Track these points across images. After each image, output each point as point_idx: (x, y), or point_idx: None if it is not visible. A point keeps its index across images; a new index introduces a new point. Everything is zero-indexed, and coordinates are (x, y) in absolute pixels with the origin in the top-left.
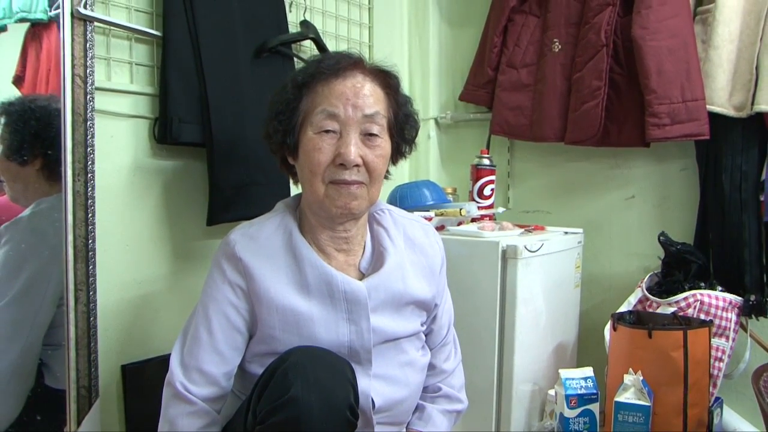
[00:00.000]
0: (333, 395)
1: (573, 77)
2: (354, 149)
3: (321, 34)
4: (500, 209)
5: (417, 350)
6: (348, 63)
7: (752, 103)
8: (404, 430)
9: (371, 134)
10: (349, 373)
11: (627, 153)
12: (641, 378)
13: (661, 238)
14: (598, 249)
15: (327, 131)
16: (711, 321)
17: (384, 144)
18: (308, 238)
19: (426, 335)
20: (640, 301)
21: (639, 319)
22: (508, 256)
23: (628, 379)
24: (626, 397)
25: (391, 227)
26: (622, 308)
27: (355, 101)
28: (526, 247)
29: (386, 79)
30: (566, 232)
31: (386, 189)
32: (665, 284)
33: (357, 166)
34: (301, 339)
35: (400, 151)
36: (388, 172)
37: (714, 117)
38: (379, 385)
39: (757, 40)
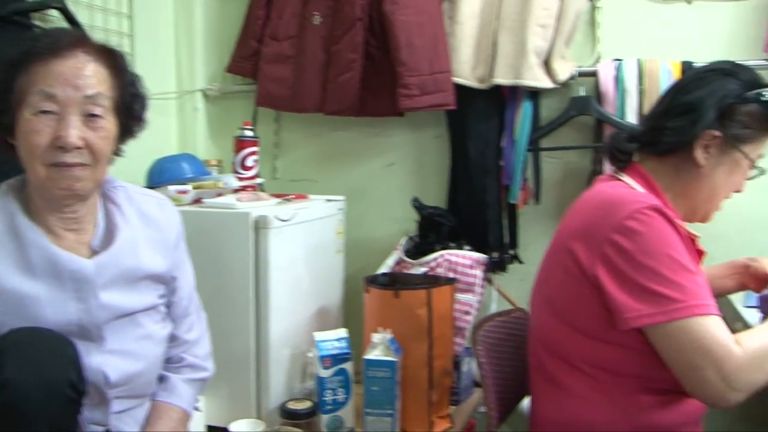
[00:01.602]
0: (50, 374)
1: (331, 50)
2: (74, 132)
3: (72, 4)
4: (259, 180)
5: (155, 323)
6: (68, 42)
7: (491, 76)
8: (148, 402)
9: (94, 115)
10: (70, 351)
11: (387, 122)
12: (390, 336)
13: (414, 202)
14: (361, 215)
15: (45, 112)
16: (455, 279)
17: (108, 125)
18: (36, 219)
19: (168, 307)
20: (397, 263)
21: (393, 281)
22: (259, 226)
23: (376, 337)
24: (375, 354)
25: (124, 204)
26: (381, 270)
27: (76, 82)
28: (277, 217)
29: (111, 59)
30: (328, 200)
31: (146, 162)
32: (420, 246)
33: (78, 148)
34: (26, 321)
35: (129, 131)
36: (119, 149)
37: (460, 88)
38: (115, 360)
39: (494, 17)
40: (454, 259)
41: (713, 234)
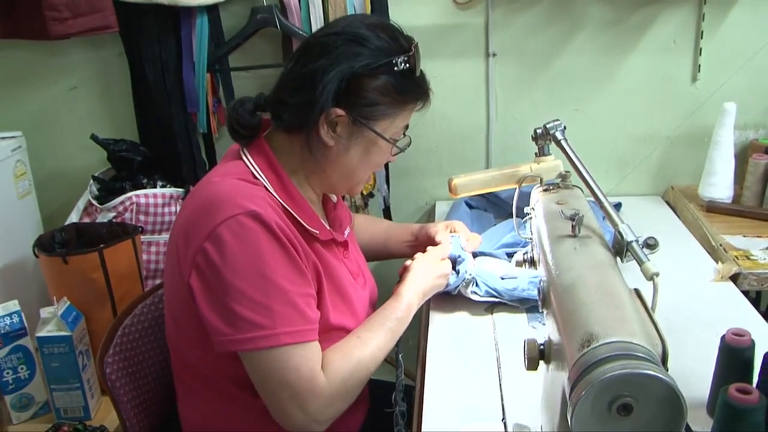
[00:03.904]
0: None
1: None
2: None
3: None
4: None
5: None
6: None
7: None
8: None
9: None
10: None
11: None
12: (65, 305)
13: (93, 139)
14: (52, 147)
15: None
16: (139, 228)
17: None
18: None
19: None
20: (89, 205)
21: (75, 235)
22: None
23: (45, 311)
24: (47, 330)
25: None
26: (72, 215)
27: None
28: None
29: None
30: (1, 138)
31: None
32: (109, 185)
33: None
34: None
35: None
36: None
37: (125, 6)
38: None
39: None
40: (143, 200)
41: (424, 148)
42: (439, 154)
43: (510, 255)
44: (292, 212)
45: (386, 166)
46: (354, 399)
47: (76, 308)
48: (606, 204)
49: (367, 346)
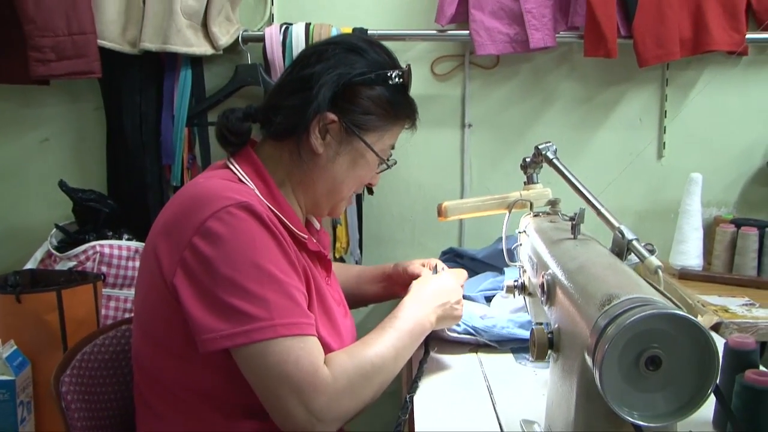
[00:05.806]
0: None
1: None
2: None
3: None
4: None
5: None
6: None
7: (141, 40)
8: None
9: None
10: None
11: (38, 91)
12: (14, 348)
13: (62, 186)
14: (13, 200)
15: None
16: (102, 275)
17: None
18: None
19: None
20: (48, 256)
21: (34, 279)
22: None
23: None
24: None
25: None
26: (29, 265)
27: None
28: None
29: None
30: None
31: None
32: (73, 236)
33: None
34: None
35: None
36: None
37: (109, 53)
38: None
39: None
40: (107, 250)
41: (398, 216)
42: (413, 222)
43: (488, 299)
44: (281, 216)
45: (360, 230)
46: (362, 401)
47: (23, 354)
48: (603, 210)
49: (372, 346)
